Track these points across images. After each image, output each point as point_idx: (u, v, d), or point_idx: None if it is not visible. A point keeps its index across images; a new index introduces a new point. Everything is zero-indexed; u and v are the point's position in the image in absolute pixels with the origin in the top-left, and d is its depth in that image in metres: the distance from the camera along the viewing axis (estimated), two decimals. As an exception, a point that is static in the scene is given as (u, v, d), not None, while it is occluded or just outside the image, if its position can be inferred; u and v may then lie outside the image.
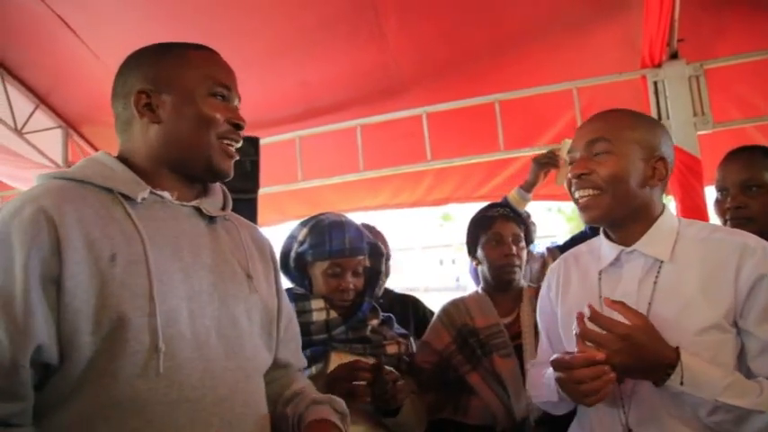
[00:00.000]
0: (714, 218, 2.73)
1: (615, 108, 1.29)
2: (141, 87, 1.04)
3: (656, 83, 2.85)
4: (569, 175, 1.24)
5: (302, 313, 1.58)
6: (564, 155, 2.38)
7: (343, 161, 3.39)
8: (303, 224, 1.67)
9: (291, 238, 1.67)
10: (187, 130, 1.04)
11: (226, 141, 1.07)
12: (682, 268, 1.19)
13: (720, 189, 1.74)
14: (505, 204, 2.13)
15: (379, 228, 2.35)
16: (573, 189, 1.25)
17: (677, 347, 1.11)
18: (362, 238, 1.63)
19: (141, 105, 1.04)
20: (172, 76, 1.05)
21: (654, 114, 2.85)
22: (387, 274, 2.23)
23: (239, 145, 1.10)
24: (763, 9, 2.69)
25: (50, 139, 3.59)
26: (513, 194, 2.36)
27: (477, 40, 2.97)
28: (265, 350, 1.13)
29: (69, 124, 3.68)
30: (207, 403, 0.95)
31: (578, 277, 1.34)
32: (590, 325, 1.12)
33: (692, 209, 2.69)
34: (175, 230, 1.02)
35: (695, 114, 2.78)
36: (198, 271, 1.02)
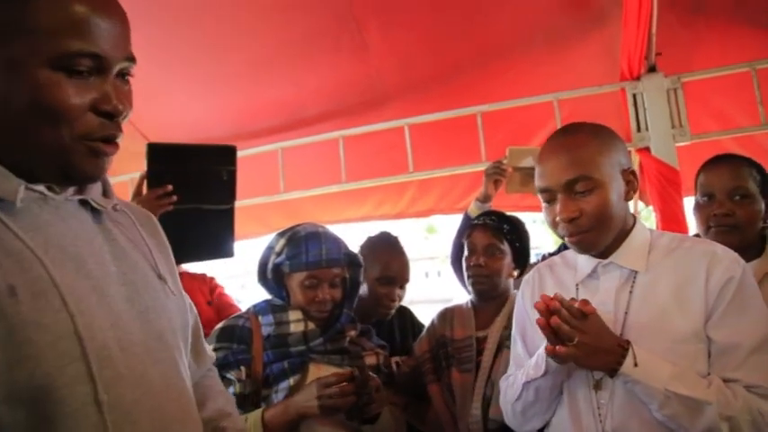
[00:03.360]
0: (692, 229, 2.77)
1: (574, 131, 1.27)
2: None
3: (635, 95, 2.89)
4: (558, 218, 1.22)
5: (280, 325, 1.57)
6: (510, 164, 2.39)
7: (326, 173, 3.38)
8: (280, 235, 1.66)
9: (269, 248, 1.65)
10: (20, 125, 0.70)
11: (93, 142, 0.73)
12: (656, 278, 1.22)
13: (705, 194, 1.71)
14: (492, 213, 2.11)
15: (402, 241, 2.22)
16: (560, 230, 1.24)
17: (626, 339, 1.15)
18: (340, 249, 1.62)
19: None
20: (1, 31, 0.68)
21: (633, 126, 2.88)
22: (401, 298, 2.14)
23: (119, 138, 0.76)
24: (738, 23, 2.75)
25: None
26: (471, 208, 2.36)
27: (458, 53, 2.99)
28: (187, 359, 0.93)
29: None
30: None
31: (554, 287, 1.34)
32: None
33: (671, 219, 2.72)
34: (69, 237, 0.75)
35: (673, 126, 2.81)
36: (110, 286, 0.78)
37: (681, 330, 1.16)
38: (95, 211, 0.82)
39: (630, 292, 1.22)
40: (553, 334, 1.13)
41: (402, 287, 2.15)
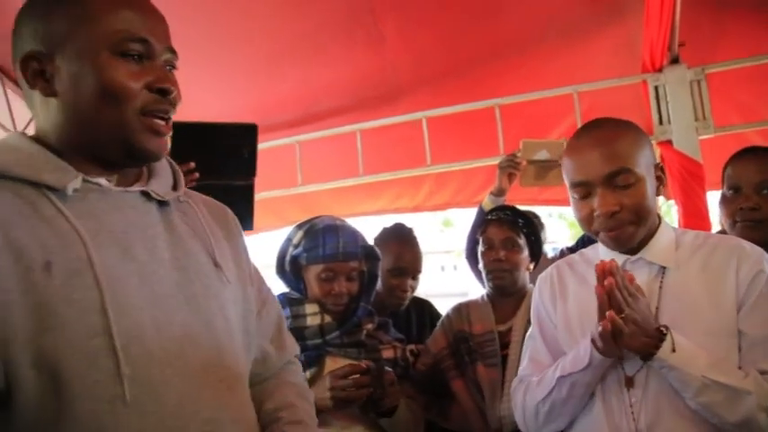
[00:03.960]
0: (716, 224, 2.72)
1: (604, 123, 1.25)
2: (31, 49, 0.82)
3: (656, 87, 2.83)
4: (597, 212, 1.20)
5: (296, 318, 1.58)
6: (524, 157, 2.37)
7: (343, 166, 3.38)
8: (299, 227, 1.67)
9: (287, 240, 1.66)
10: (90, 107, 0.81)
11: (149, 117, 0.84)
12: (685, 274, 1.21)
13: (732, 187, 1.67)
14: (505, 207, 2.10)
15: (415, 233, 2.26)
16: (597, 225, 1.22)
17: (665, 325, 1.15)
18: (357, 242, 1.62)
19: (32, 73, 0.83)
20: (65, 33, 0.81)
21: (655, 119, 2.83)
22: (413, 289, 2.19)
23: (171, 114, 0.87)
24: (764, 13, 2.68)
25: (50, 144, 3.59)
26: (485, 202, 2.34)
27: (476, 45, 2.96)
28: (244, 351, 0.95)
29: (68, 128, 3.67)
30: (192, 431, 0.79)
31: (576, 283, 1.33)
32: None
33: (694, 213, 2.67)
34: (122, 224, 0.83)
35: (696, 119, 2.76)
36: (157, 271, 0.83)
37: (712, 325, 1.15)
38: (162, 203, 0.90)
39: (660, 287, 1.21)
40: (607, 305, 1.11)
41: (414, 278, 2.17)
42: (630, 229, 1.20)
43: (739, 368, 1.13)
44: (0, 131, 3.40)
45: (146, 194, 0.88)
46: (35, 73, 0.83)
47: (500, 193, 2.34)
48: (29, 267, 0.73)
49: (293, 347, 1.14)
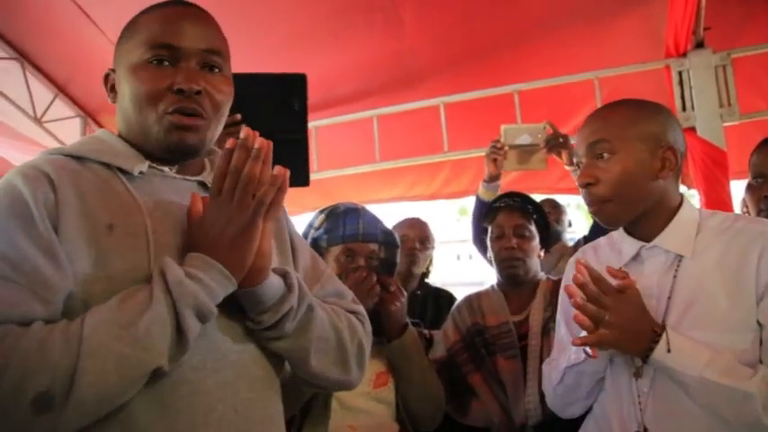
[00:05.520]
0: (738, 212, 2.66)
1: (616, 102, 1.24)
2: (109, 68, 1.01)
3: (680, 73, 2.78)
4: (578, 182, 1.20)
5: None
6: (505, 142, 2.37)
7: (360, 152, 3.37)
8: (321, 212, 1.69)
9: (309, 225, 1.68)
10: (130, 110, 0.95)
11: (174, 115, 0.93)
12: (703, 261, 1.15)
13: (757, 175, 1.65)
14: (513, 194, 2.06)
15: (424, 219, 2.57)
16: (582, 198, 1.23)
17: (663, 322, 1.11)
18: (377, 225, 1.62)
19: (108, 86, 1.01)
20: (119, 52, 0.98)
21: (678, 105, 2.78)
22: (425, 256, 2.48)
23: (198, 111, 0.94)
24: (794, -4, 2.61)
25: (69, 128, 3.62)
26: (481, 191, 2.34)
27: (495, 30, 2.92)
28: None
29: (88, 113, 3.70)
30: (209, 386, 0.87)
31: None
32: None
33: (717, 202, 2.62)
34: (176, 204, 0.94)
35: (721, 105, 2.70)
36: None
37: (728, 317, 1.09)
38: None
39: (675, 276, 1.16)
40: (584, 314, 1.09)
41: (423, 244, 2.44)
42: (610, 206, 1.17)
43: (761, 362, 1.07)
44: (19, 114, 3.46)
45: (203, 185, 1.01)
46: (110, 86, 1.01)
47: (491, 179, 2.34)
48: (95, 226, 0.86)
49: (360, 310, 1.15)
